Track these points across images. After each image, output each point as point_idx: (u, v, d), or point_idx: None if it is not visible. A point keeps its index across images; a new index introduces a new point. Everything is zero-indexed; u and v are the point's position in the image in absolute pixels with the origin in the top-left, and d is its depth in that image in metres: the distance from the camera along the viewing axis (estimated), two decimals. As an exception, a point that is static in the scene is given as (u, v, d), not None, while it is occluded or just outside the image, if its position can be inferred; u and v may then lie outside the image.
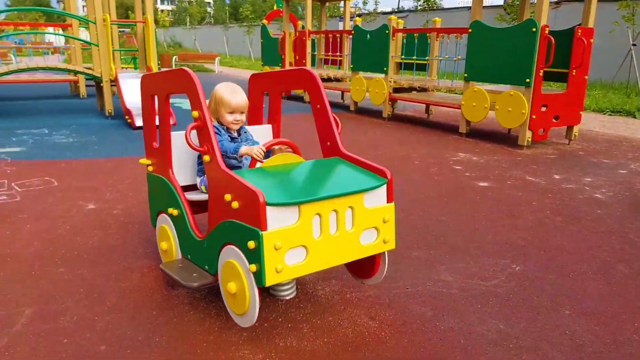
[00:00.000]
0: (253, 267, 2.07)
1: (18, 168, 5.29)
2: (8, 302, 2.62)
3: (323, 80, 12.19)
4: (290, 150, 2.78)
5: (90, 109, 9.75)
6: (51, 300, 2.65)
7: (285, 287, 2.61)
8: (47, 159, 5.73)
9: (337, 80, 11.85)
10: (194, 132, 2.47)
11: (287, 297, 2.68)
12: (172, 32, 47.80)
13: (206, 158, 2.36)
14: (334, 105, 11.84)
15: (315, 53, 12.53)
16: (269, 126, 3.27)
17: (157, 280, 2.90)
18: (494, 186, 5.07)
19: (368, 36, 9.99)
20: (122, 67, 13.22)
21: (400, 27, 10.30)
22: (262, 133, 3.19)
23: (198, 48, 39.23)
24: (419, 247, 3.49)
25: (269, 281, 2.07)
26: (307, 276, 2.94)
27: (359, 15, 28.77)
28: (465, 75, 7.95)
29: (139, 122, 7.44)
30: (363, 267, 2.72)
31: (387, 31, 9.42)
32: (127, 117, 7.80)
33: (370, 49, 9.93)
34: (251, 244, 2.05)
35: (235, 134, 2.87)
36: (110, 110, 8.52)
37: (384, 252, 2.56)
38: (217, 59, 24.30)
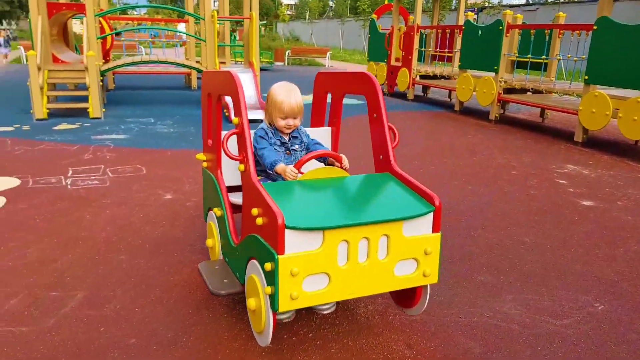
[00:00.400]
0: (268, 290, 1.95)
1: (117, 155, 5.72)
2: (66, 285, 2.79)
3: (429, 77, 11.71)
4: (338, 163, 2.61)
5: (197, 101, 10.33)
6: (103, 287, 2.77)
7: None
8: (144, 148, 6.14)
9: (446, 78, 11.29)
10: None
11: (325, 312, 2.54)
12: (292, 26, 49.28)
13: (241, 167, 2.29)
14: (439, 104, 11.33)
15: (425, 49, 12.06)
16: (329, 129, 3.12)
17: (204, 277, 2.91)
18: (600, 206, 4.43)
19: (480, 32, 9.36)
20: (234, 61, 13.89)
21: (519, 22, 9.50)
22: (320, 136, 3.05)
23: (314, 42, 40.02)
24: (487, 270, 3.12)
25: (282, 307, 1.93)
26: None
27: (483, 9, 27.27)
28: (586, 77, 7.10)
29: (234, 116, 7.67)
30: (404, 296, 2.47)
31: (500, 27, 8.74)
32: (225, 110, 8.11)
33: (481, 46, 9.29)
34: (267, 266, 1.93)
35: (287, 138, 2.72)
36: (213, 103, 8.93)
37: (424, 286, 2.30)
38: (328, 53, 24.53)
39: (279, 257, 1.88)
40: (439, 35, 11.28)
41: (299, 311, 2.54)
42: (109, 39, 9.54)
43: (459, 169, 5.60)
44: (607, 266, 3.22)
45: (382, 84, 12.94)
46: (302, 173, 2.44)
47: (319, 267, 1.95)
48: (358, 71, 2.69)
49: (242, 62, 12.25)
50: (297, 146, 2.74)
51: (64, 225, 3.61)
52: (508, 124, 8.82)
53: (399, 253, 2.09)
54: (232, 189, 2.83)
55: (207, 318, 2.50)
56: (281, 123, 2.65)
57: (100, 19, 9.86)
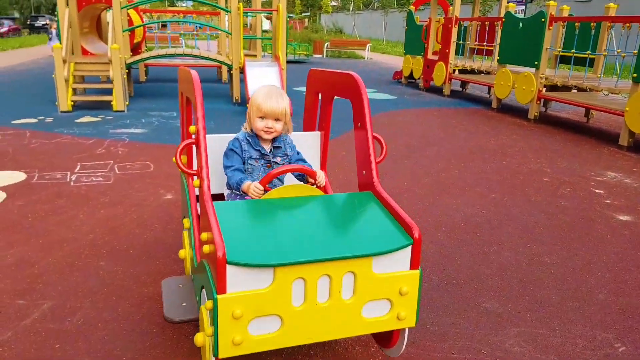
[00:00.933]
0: (209, 330, 1.69)
1: (129, 150, 5.63)
2: (36, 292, 2.65)
3: (468, 72, 11.15)
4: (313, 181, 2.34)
5: (224, 95, 10.21)
6: (72, 297, 2.62)
7: None
8: (159, 143, 6.02)
9: (485, 73, 10.71)
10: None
11: None
12: (335, 18, 48.78)
13: (196, 182, 2.03)
14: (476, 101, 10.79)
15: (465, 42, 11.50)
16: (318, 133, 2.84)
17: (179, 290, 2.71)
18: (638, 222, 3.96)
19: (520, 24, 8.78)
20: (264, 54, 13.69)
21: (565, 14, 8.86)
22: (308, 141, 2.78)
23: (356, 34, 39.46)
24: (495, 295, 2.78)
25: (222, 352, 1.66)
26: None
27: (532, 0, 26.02)
28: (635, 75, 6.49)
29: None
30: (381, 334, 2.17)
31: (542, 19, 8.15)
32: (248, 104, 7.93)
33: (521, 40, 8.71)
34: (208, 304, 1.67)
35: (267, 148, 2.45)
36: (237, 97, 8.79)
37: (400, 330, 1.99)
38: (368, 45, 24.07)
39: (218, 296, 1.62)
40: (479, 28, 10.72)
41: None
42: (138, 31, 9.53)
43: (485, 174, 5.19)
44: (637, 296, 2.81)
45: (418, 78, 12.47)
46: (268, 190, 2.17)
47: (268, 309, 1.67)
48: (345, 72, 2.39)
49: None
50: (279, 158, 2.46)
51: (54, 225, 3.51)
52: (548, 124, 8.25)
53: (368, 293, 1.78)
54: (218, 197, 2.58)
55: (169, 339, 2.29)
56: (259, 124, 2.37)
57: (132, 11, 9.88)
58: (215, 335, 1.65)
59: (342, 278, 1.73)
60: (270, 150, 2.44)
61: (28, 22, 42.70)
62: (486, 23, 10.42)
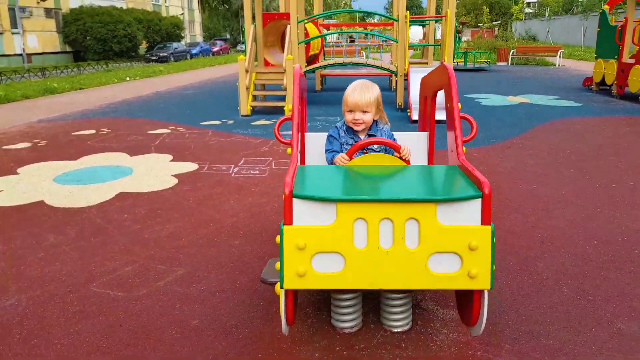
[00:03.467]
0: (277, 265, 1.82)
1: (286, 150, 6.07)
2: (175, 260, 3.06)
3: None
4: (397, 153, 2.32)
5: (389, 102, 10.26)
6: (203, 267, 2.95)
7: (346, 316, 2.20)
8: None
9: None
10: None
11: (346, 330, 2.24)
12: (529, 25, 45.54)
13: (288, 151, 2.23)
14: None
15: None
16: (424, 134, 2.76)
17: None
18: None
19: None
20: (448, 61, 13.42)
21: None
22: (413, 141, 2.71)
23: (550, 40, 36.16)
24: (636, 317, 2.32)
25: (287, 283, 1.77)
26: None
27: None
28: None
29: (415, 116, 7.43)
30: (464, 309, 2.03)
31: None
32: (408, 110, 7.90)
33: None
34: (277, 239, 1.80)
35: (362, 136, 2.51)
36: (400, 103, 8.82)
37: (481, 293, 1.83)
38: (560, 51, 21.85)
39: (284, 227, 1.75)
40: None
41: (366, 324, 2.29)
42: (315, 44, 10.22)
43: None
44: None
45: (611, 84, 10.93)
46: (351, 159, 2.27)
47: (331, 245, 1.73)
48: (439, 65, 2.34)
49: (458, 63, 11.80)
50: (375, 146, 2.47)
51: (207, 208, 3.99)
52: None
53: (434, 243, 1.72)
54: None
55: (273, 314, 2.43)
56: (348, 117, 2.51)
57: (312, 26, 10.66)
58: (281, 266, 1.76)
59: (405, 224, 1.71)
60: (366, 139, 2.47)
61: (237, 41, 49.06)
62: None
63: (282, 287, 1.79)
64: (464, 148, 2.14)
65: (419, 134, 2.80)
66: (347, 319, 2.23)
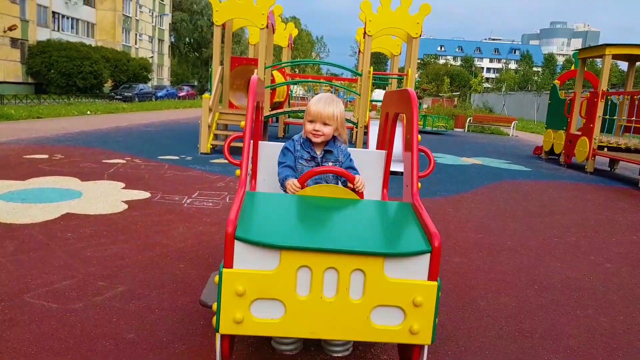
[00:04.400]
0: (214, 305, 1.72)
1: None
2: (116, 278, 2.96)
3: (615, 150, 10.10)
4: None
5: (351, 152, 10.58)
6: (144, 287, 2.87)
7: (285, 339, 2.17)
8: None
9: (638, 151, 9.60)
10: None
11: (286, 352, 2.21)
12: (486, 98, 48.16)
13: (237, 172, 2.16)
14: (624, 180, 9.66)
15: (616, 117, 10.57)
16: (382, 152, 2.83)
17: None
18: None
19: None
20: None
21: None
22: (370, 159, 2.79)
23: (506, 113, 38.27)
24: (569, 355, 2.39)
25: (223, 328, 1.68)
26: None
27: None
28: None
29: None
30: (405, 357, 2.01)
31: None
32: (366, 159, 8.11)
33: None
34: (216, 279, 1.71)
35: (318, 152, 2.52)
36: (359, 153, 9.05)
37: (421, 347, 1.79)
38: (514, 122, 23.19)
39: (224, 270, 1.66)
40: (635, 103, 9.77)
41: (307, 347, 2.26)
42: (280, 92, 10.48)
43: (607, 245, 4.57)
44: None
45: (559, 154, 11.61)
46: (304, 187, 2.22)
47: (272, 292, 1.67)
48: (402, 89, 2.42)
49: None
50: (330, 163, 2.51)
51: (155, 233, 3.90)
52: None
53: (378, 296, 1.69)
54: None
55: (212, 331, 2.37)
56: (308, 127, 2.48)
57: (278, 73, 10.96)
58: (217, 309, 1.68)
59: (350, 275, 1.67)
60: (322, 154, 2.50)
61: (204, 89, 49.55)
62: (636, 97, 9.48)
63: (217, 331, 1.72)
64: (419, 184, 2.16)
65: (377, 152, 2.83)
66: (288, 342, 2.19)
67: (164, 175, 6.45)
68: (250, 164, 2.17)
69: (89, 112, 17.13)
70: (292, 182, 2.27)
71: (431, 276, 1.70)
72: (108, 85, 36.75)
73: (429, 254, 1.70)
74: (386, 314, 1.71)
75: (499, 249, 4.17)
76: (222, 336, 1.75)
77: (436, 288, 1.70)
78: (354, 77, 12.94)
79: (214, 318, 1.82)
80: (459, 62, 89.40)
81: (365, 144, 9.07)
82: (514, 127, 23.14)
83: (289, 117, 12.39)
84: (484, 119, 25.17)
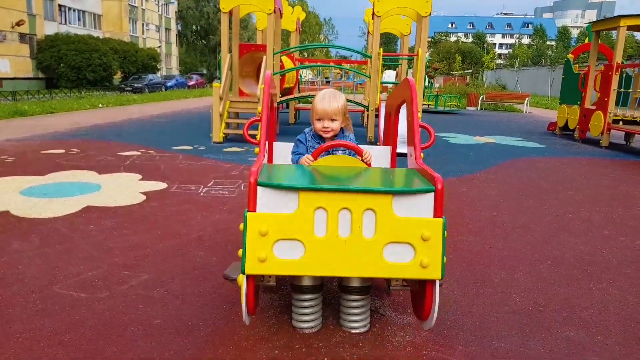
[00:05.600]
0: (240, 252, 1.87)
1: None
2: (139, 267, 3.06)
3: (630, 123, 9.99)
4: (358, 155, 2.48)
5: (360, 136, 10.55)
6: (166, 274, 2.97)
7: (306, 316, 2.26)
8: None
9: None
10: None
11: (305, 330, 2.30)
12: (499, 74, 47.46)
13: (256, 150, 2.33)
14: (638, 153, 9.57)
15: (630, 90, 10.44)
16: (387, 148, 2.90)
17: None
18: None
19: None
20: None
21: None
22: (376, 155, 2.86)
23: (519, 89, 37.70)
24: (583, 326, 2.47)
25: (249, 268, 1.84)
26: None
27: None
28: None
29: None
30: (418, 302, 2.14)
31: None
32: (378, 143, 8.14)
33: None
34: (241, 226, 1.87)
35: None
36: (370, 137, 9.07)
37: (433, 284, 1.93)
38: (527, 99, 22.90)
39: (248, 213, 1.82)
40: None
41: (326, 325, 2.34)
42: (290, 77, 10.48)
43: (621, 219, 4.58)
44: None
45: (574, 129, 11.50)
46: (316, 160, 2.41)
47: (292, 233, 1.82)
48: (403, 78, 2.51)
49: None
50: (340, 152, 2.60)
51: (174, 223, 4.00)
52: None
53: (389, 234, 1.83)
54: None
55: (235, 315, 2.47)
56: (317, 125, 2.63)
57: (287, 59, 10.95)
58: (243, 251, 1.83)
59: (363, 214, 1.81)
60: None
61: (213, 77, 49.58)
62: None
63: (243, 273, 1.85)
64: (422, 154, 2.28)
65: (382, 147, 2.94)
66: (307, 319, 2.28)
67: (178, 165, 6.55)
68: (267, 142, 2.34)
69: (100, 105, 17.29)
70: (306, 157, 2.44)
71: (436, 213, 1.85)
72: (117, 77, 36.93)
73: (433, 193, 1.84)
74: (398, 251, 1.85)
75: (512, 227, 4.21)
76: (248, 280, 1.89)
77: (442, 223, 1.84)
78: (363, 60, 12.89)
79: (239, 278, 1.95)
80: (470, 39, 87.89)
81: (377, 126, 9.09)
82: (527, 104, 22.87)
83: (299, 103, 12.40)
84: (496, 96, 24.86)
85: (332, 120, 2.58)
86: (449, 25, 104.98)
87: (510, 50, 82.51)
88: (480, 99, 23.98)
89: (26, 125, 11.11)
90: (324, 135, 2.62)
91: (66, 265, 3.07)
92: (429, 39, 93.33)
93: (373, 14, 8.52)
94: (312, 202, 1.80)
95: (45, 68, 32.11)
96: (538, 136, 12.04)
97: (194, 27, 58.28)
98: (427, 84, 26.18)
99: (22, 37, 31.04)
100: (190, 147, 8.16)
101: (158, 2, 49.59)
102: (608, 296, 2.86)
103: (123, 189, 5.08)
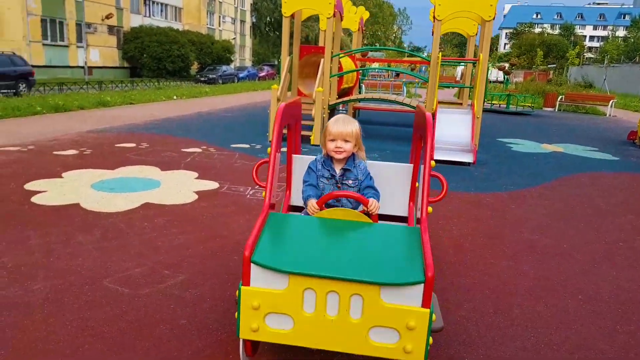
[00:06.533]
0: (237, 314, 2.03)
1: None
2: (179, 267, 3.37)
3: None
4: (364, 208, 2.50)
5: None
6: (201, 276, 3.25)
7: None
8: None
9: None
10: None
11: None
12: (586, 70, 44.50)
13: (263, 194, 2.45)
14: None
15: None
16: (409, 166, 2.95)
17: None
18: None
19: None
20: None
21: None
22: (396, 172, 2.92)
23: (606, 88, 34.99)
24: (594, 371, 2.43)
25: (242, 334, 2.01)
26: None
27: None
28: None
29: (438, 156, 7.61)
30: None
31: None
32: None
33: None
34: (237, 293, 2.02)
35: (338, 171, 2.69)
36: (426, 142, 9.00)
37: None
38: (612, 101, 21.40)
39: (242, 287, 1.98)
40: None
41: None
42: (348, 78, 10.60)
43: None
44: None
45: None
46: (322, 209, 2.45)
47: (283, 308, 1.96)
48: (416, 106, 2.54)
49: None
50: (350, 181, 2.69)
51: (218, 225, 4.30)
52: None
53: (376, 318, 1.92)
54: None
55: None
56: (330, 146, 2.65)
57: (348, 59, 11.07)
58: (238, 318, 2.00)
59: (350, 298, 1.90)
60: (341, 172, 2.69)
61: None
62: None
63: (238, 336, 2.03)
64: (430, 208, 2.29)
65: (404, 165, 2.97)
66: None
67: (233, 164, 6.91)
68: (271, 187, 2.44)
69: (175, 97, 18.27)
70: (312, 204, 2.49)
71: (424, 303, 1.89)
72: (194, 68, 38.63)
73: (422, 284, 1.88)
74: (383, 334, 1.93)
75: (551, 253, 4.12)
76: (244, 340, 2.08)
77: (428, 314, 1.88)
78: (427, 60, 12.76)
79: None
80: (557, 31, 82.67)
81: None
82: (611, 106, 21.38)
83: (359, 102, 12.48)
84: (577, 97, 23.31)
85: (346, 141, 2.62)
86: (534, 16, 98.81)
87: (602, 44, 76.18)
88: (558, 99, 22.66)
89: (107, 116, 12.02)
90: (336, 157, 2.65)
91: (118, 261, 3.43)
92: (510, 30, 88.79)
93: (434, 16, 8.44)
94: (301, 283, 1.92)
95: (130, 58, 34.25)
96: (614, 146, 11.26)
97: (267, 18, 59.52)
98: (501, 79, 25.00)
99: (111, 29, 33.26)
100: (248, 146, 8.53)
101: (235, -5, 51.09)
102: (633, 340, 2.78)
103: (179, 187, 5.48)
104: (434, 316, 1.98)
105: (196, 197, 5.14)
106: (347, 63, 10.77)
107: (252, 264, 1.97)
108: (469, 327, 2.81)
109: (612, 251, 4.27)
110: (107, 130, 9.65)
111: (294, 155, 3.01)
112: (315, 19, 46.27)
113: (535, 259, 3.96)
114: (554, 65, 51.99)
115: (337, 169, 2.71)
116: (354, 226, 2.32)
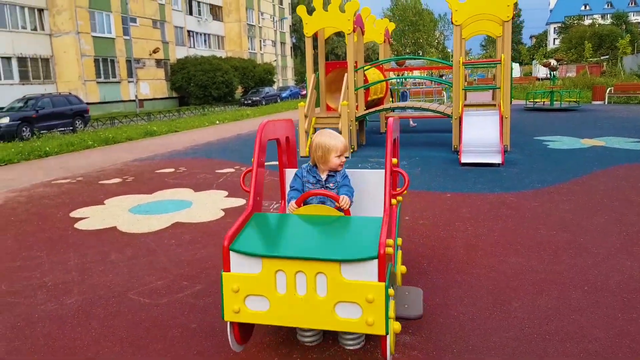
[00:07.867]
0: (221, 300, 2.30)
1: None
2: (196, 279, 3.66)
3: None
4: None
5: (447, 144, 10.42)
6: (216, 286, 3.50)
7: (307, 331, 2.62)
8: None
9: None
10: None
11: (306, 343, 2.65)
12: (640, 59, 42.03)
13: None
14: None
15: None
16: (381, 172, 3.11)
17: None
18: None
19: None
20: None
21: None
22: (372, 179, 3.09)
23: (661, 77, 32.91)
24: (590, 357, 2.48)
25: (226, 317, 2.29)
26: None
27: None
28: None
29: (464, 159, 7.61)
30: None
31: None
32: (458, 152, 8.09)
33: None
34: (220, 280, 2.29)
35: (324, 176, 2.94)
36: (456, 145, 9.00)
37: (385, 338, 2.19)
38: (667, 92, 20.29)
39: (223, 273, 2.27)
40: None
41: (325, 339, 2.68)
42: (376, 89, 10.78)
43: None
44: None
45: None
46: (300, 207, 2.73)
47: (259, 290, 2.21)
48: (393, 115, 2.73)
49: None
50: (331, 184, 2.94)
51: (240, 238, 4.58)
52: None
53: (339, 294, 2.13)
54: None
55: (254, 330, 2.90)
56: (337, 161, 2.91)
57: (375, 71, 11.26)
58: (222, 303, 2.28)
59: (315, 277, 2.14)
60: (326, 177, 2.95)
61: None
62: None
63: (223, 319, 2.31)
64: (399, 198, 2.50)
65: (377, 172, 3.12)
66: (308, 334, 2.64)
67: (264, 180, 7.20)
68: (253, 190, 2.71)
69: (217, 122, 19.04)
70: (292, 204, 2.83)
71: (380, 278, 2.10)
72: (239, 92, 39.97)
73: (376, 260, 2.09)
74: (347, 309, 2.15)
75: (565, 248, 4.09)
76: (230, 322, 2.34)
77: (384, 287, 2.09)
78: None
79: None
80: (608, 21, 78.90)
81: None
82: (667, 94, 20.26)
83: (392, 111, 12.58)
84: (628, 87, 22.24)
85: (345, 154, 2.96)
86: (582, 8, 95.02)
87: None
88: (607, 91, 21.72)
89: (153, 144, 12.77)
90: (340, 169, 2.93)
91: (144, 275, 3.77)
92: (558, 24, 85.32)
93: (452, 22, 8.51)
94: (273, 266, 2.18)
95: (177, 88, 35.97)
96: (663, 138, 10.76)
97: (307, 38, 60.73)
98: (546, 75, 24.15)
99: (158, 62, 35.11)
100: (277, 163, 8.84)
101: (273, 19, 52.56)
102: (631, 327, 2.78)
103: (209, 206, 5.83)
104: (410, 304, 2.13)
105: (223, 214, 5.47)
106: (374, 75, 10.95)
107: (230, 252, 2.25)
108: (464, 320, 2.91)
109: (631, 242, 4.19)
110: (150, 158, 10.27)
111: (287, 170, 3.26)
112: (342, 34, 46.95)
113: (547, 255, 3.95)
114: (607, 57, 49.70)
115: (322, 175, 2.97)
116: (324, 219, 2.58)
